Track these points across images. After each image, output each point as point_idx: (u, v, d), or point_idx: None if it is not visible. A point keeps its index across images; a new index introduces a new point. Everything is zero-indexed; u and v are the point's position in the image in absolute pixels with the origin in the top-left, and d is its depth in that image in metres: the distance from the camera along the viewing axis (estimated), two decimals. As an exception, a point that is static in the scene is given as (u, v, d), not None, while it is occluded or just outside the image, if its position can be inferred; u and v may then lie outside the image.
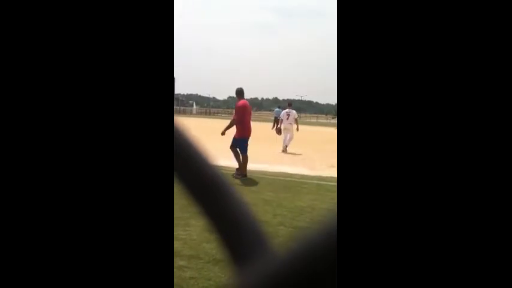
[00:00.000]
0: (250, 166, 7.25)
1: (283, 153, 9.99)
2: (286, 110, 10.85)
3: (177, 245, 2.99)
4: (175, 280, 2.45)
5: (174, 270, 2.11)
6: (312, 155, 10.15)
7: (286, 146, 10.35)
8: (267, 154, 9.49)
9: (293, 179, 6.25)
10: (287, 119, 10.57)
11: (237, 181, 5.74)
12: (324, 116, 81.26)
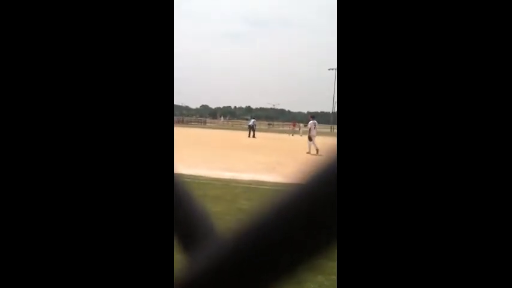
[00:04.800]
0: (224, 175, 7.22)
1: (256, 162, 10.05)
2: (314, 121, 13.60)
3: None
4: None
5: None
6: (285, 162, 10.24)
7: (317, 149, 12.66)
8: (241, 162, 9.49)
9: (267, 187, 6.27)
10: (314, 128, 13.17)
11: (212, 191, 5.70)
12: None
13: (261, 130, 34.39)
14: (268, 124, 65.57)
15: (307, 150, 12.91)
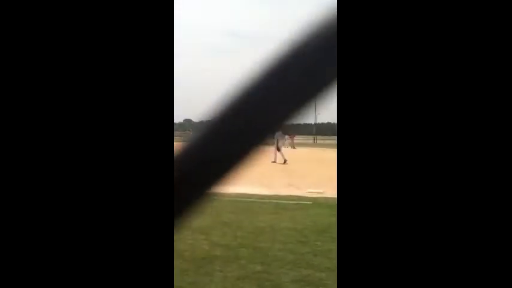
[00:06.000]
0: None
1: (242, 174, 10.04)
2: (279, 132, 13.80)
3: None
4: None
5: None
6: (270, 174, 10.25)
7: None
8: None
9: (251, 200, 6.24)
10: (281, 139, 14.29)
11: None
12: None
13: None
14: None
15: (273, 160, 13.55)
